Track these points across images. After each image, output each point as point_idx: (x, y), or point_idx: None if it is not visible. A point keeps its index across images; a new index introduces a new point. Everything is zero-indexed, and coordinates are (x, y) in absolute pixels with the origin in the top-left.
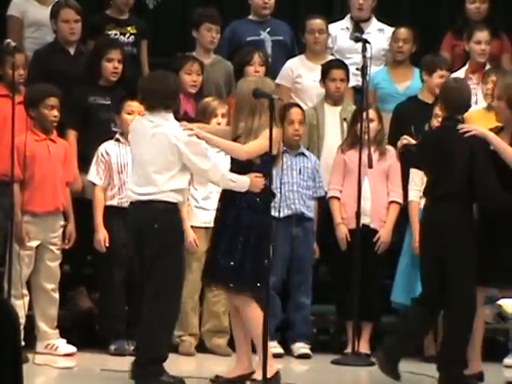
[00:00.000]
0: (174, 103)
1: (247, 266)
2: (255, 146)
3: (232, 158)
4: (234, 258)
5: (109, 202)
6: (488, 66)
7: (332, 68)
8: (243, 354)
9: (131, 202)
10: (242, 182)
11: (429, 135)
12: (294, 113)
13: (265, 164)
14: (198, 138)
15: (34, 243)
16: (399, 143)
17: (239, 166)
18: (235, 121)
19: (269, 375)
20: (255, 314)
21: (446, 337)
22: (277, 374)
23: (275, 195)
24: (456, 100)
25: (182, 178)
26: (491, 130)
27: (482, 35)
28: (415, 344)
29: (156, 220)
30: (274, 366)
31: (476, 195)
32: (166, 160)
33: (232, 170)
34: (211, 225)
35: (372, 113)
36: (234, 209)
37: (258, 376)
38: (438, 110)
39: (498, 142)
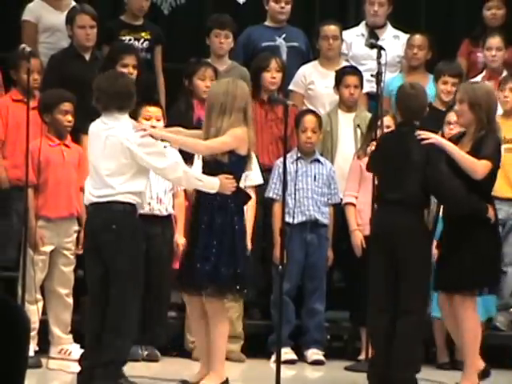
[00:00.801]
0: (127, 104)
1: (223, 269)
2: (217, 142)
3: (203, 161)
4: (209, 261)
5: None
6: (505, 73)
7: (346, 74)
8: (207, 359)
9: (89, 205)
10: (211, 183)
11: (384, 140)
12: (308, 120)
13: (234, 164)
14: (154, 137)
15: (48, 248)
16: (368, 149)
17: (209, 168)
18: (207, 123)
19: (217, 383)
20: (224, 327)
21: (397, 341)
22: (225, 382)
23: (250, 197)
24: (412, 105)
25: (139, 181)
26: (451, 137)
27: (494, 41)
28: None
29: (114, 221)
30: (223, 374)
31: (441, 201)
32: (119, 163)
33: (203, 173)
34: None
35: (389, 120)
36: (206, 212)
37: (208, 382)
38: (449, 117)
39: (455, 151)
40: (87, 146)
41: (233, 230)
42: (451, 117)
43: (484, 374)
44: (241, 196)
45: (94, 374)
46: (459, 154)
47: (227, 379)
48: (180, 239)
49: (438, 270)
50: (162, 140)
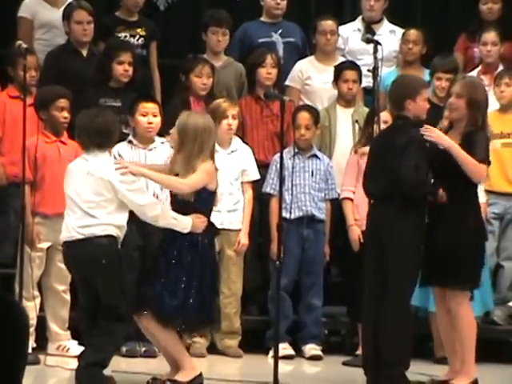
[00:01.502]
0: (106, 142)
1: (192, 305)
2: (195, 180)
3: (172, 198)
4: (177, 297)
5: None
6: (500, 68)
7: (345, 69)
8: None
9: (69, 242)
10: (184, 223)
11: (378, 135)
12: (301, 117)
13: (202, 202)
14: (134, 174)
15: (45, 245)
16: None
17: (178, 206)
18: (175, 156)
19: (189, 378)
20: (166, 337)
21: (381, 339)
22: (199, 376)
23: (219, 232)
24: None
25: (121, 215)
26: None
27: (489, 36)
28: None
29: (103, 256)
30: (196, 368)
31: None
32: (102, 198)
33: (173, 210)
34: (223, 226)
35: (386, 115)
36: (175, 247)
37: (180, 378)
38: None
39: (460, 153)
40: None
41: (202, 266)
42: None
43: None
44: (211, 231)
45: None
46: (464, 156)
47: (201, 373)
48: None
49: (427, 264)
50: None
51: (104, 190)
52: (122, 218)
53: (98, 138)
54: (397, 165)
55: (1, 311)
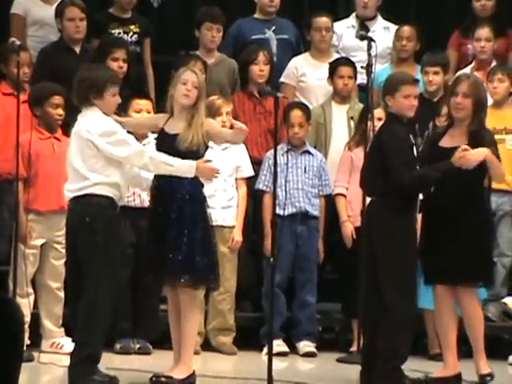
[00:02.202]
0: (94, 94)
1: (198, 259)
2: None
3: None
4: (181, 251)
5: None
6: (494, 64)
7: (340, 65)
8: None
9: (68, 202)
10: (185, 166)
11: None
12: (294, 116)
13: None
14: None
15: (39, 242)
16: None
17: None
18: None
19: (184, 375)
20: (195, 316)
21: (382, 334)
22: (192, 374)
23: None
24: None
25: (113, 172)
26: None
27: (483, 32)
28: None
29: (88, 213)
30: (191, 365)
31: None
32: (87, 155)
33: None
34: (217, 222)
35: (380, 111)
36: (175, 201)
37: (176, 374)
38: (446, 110)
39: (493, 158)
40: None
41: (203, 218)
42: (444, 109)
43: (457, 379)
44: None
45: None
46: (496, 160)
47: (194, 371)
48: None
49: (434, 260)
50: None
51: (86, 147)
52: (115, 176)
53: (83, 91)
54: (386, 167)
55: None
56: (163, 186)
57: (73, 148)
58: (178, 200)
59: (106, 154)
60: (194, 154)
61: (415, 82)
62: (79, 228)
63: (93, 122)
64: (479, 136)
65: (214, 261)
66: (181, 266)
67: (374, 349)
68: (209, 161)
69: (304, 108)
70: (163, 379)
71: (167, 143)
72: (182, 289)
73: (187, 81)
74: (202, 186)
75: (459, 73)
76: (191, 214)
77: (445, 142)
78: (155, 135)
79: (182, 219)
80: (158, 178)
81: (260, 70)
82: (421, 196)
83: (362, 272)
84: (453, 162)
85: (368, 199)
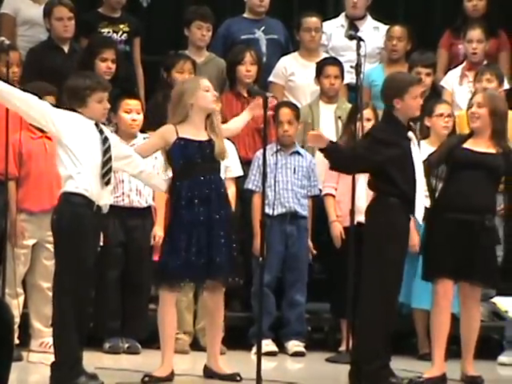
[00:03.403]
0: (73, 101)
1: (239, 259)
2: None
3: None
4: (227, 253)
5: None
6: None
7: (326, 65)
8: (171, 352)
9: None
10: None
11: None
12: (282, 114)
13: None
14: None
15: (31, 242)
16: None
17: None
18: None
19: (166, 373)
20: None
21: (362, 334)
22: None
23: None
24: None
25: (79, 166)
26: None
27: (474, 34)
28: None
29: (56, 211)
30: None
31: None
32: (57, 154)
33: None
34: None
35: (369, 112)
36: (222, 206)
37: (159, 373)
38: (441, 110)
39: None
40: None
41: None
42: (443, 109)
43: (442, 380)
44: None
45: None
46: None
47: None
48: (159, 231)
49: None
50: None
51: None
52: (70, 169)
53: (69, 99)
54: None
55: None
56: (209, 192)
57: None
58: (224, 204)
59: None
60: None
61: (420, 81)
62: (52, 226)
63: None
64: (509, 155)
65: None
66: (230, 266)
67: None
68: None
69: (292, 107)
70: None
71: (199, 149)
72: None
73: (209, 88)
74: None
75: (451, 73)
76: (230, 215)
77: (472, 146)
78: (144, 135)
79: (225, 221)
80: (197, 184)
81: (247, 70)
82: (427, 204)
83: (351, 272)
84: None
85: (357, 199)
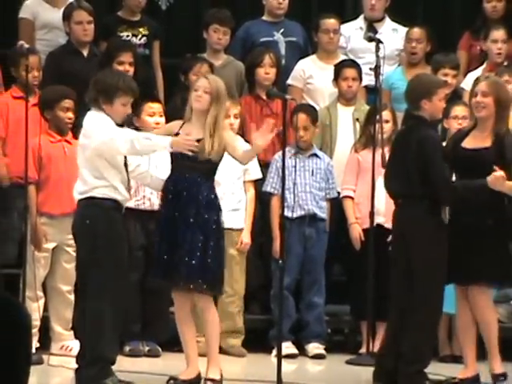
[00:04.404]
0: (101, 97)
1: (211, 265)
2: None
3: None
4: (195, 256)
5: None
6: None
7: (344, 67)
8: (195, 354)
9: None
10: (163, 140)
11: (396, 135)
12: (299, 119)
13: None
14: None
15: (51, 245)
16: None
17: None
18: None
19: (219, 375)
20: (215, 317)
21: (407, 337)
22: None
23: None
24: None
25: (111, 175)
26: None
27: (498, 34)
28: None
29: (88, 216)
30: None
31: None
32: (88, 153)
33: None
34: (225, 226)
35: (387, 114)
36: (194, 206)
37: (212, 375)
38: (456, 112)
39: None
40: None
41: (218, 225)
42: (458, 111)
43: (475, 381)
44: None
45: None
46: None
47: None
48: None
49: (453, 262)
50: None
51: (83, 144)
52: (111, 177)
53: (98, 92)
54: (430, 174)
55: (4, 313)
56: (180, 190)
57: (79, 150)
58: (196, 205)
59: (97, 147)
60: (212, 162)
61: (446, 84)
62: (81, 230)
63: (96, 120)
64: (502, 141)
65: (223, 269)
66: (195, 270)
67: (396, 351)
68: (188, 135)
69: (309, 111)
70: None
71: None
72: (198, 293)
73: (199, 87)
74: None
75: (471, 75)
76: (207, 220)
77: (467, 143)
78: None
79: (199, 224)
80: (173, 181)
81: (266, 72)
82: None
83: (370, 273)
84: (488, 183)
85: (376, 201)
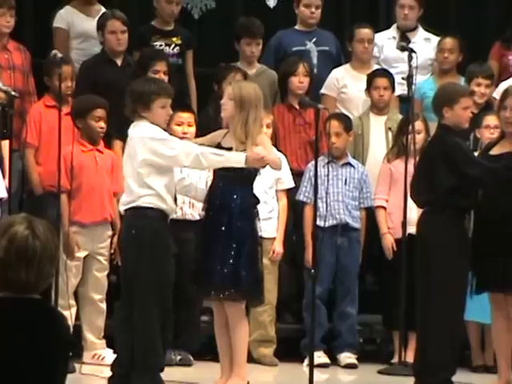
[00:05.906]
0: (139, 106)
1: (244, 273)
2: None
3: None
4: (227, 265)
5: None
6: None
7: (376, 76)
8: (229, 364)
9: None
10: (236, 156)
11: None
12: (331, 126)
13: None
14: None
15: (82, 254)
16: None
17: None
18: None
19: None
20: (244, 327)
21: (431, 346)
22: None
23: (259, 201)
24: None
25: (159, 184)
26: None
27: None
28: None
29: (134, 226)
30: (246, 377)
31: (472, 183)
32: (136, 163)
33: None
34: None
35: (419, 124)
36: (226, 214)
37: None
38: (488, 121)
39: None
40: (120, 151)
41: (252, 233)
42: (490, 121)
43: None
44: (255, 199)
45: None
46: None
47: (248, 382)
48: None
49: (488, 270)
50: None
51: (137, 154)
52: (160, 188)
53: (132, 103)
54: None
55: (49, 324)
56: (213, 198)
57: (125, 160)
58: (228, 213)
59: (157, 156)
60: (246, 170)
61: (472, 93)
62: (127, 240)
63: (143, 129)
64: None
65: (259, 278)
66: (227, 279)
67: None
68: (258, 150)
69: (342, 118)
70: None
71: None
72: (229, 302)
73: (223, 95)
74: (258, 201)
75: (503, 84)
76: (240, 228)
77: (495, 151)
78: None
79: (231, 233)
80: (209, 191)
81: (299, 81)
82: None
83: (403, 284)
84: None
85: (409, 211)
